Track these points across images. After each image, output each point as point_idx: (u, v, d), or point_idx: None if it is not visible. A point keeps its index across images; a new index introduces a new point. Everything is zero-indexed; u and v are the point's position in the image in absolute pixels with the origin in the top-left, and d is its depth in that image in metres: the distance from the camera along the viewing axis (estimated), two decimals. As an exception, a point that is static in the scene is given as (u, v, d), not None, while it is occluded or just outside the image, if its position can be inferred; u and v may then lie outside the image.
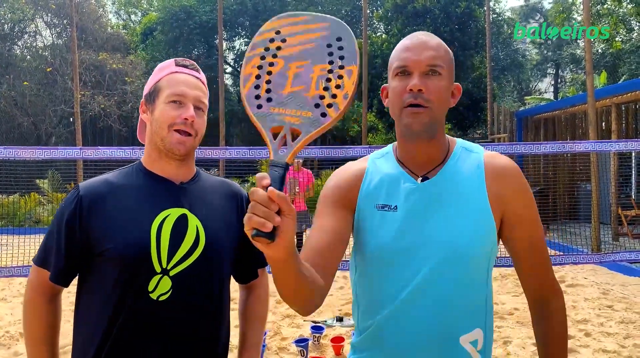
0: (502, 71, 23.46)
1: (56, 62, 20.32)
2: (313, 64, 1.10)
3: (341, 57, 1.10)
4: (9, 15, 21.24)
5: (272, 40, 1.12)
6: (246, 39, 26.02)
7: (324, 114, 1.06)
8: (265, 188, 0.91)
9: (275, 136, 1.04)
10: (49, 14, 21.89)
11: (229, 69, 26.94)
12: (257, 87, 1.09)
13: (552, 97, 26.37)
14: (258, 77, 1.10)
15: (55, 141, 20.70)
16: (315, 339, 4.76)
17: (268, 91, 1.08)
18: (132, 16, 31.34)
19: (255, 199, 0.90)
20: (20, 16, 21.36)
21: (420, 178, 1.35)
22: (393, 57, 1.35)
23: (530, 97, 22.77)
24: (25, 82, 19.76)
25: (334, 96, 1.07)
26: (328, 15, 1.16)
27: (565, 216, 12.45)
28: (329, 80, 1.08)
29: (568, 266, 7.79)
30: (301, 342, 4.50)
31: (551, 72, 32.95)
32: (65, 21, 21.12)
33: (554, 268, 7.22)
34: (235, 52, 27.45)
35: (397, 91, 1.31)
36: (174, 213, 1.49)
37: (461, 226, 1.29)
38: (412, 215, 1.32)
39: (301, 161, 8.35)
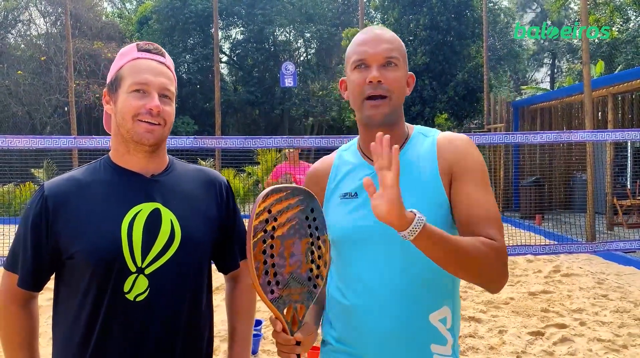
0: (498, 61, 23.40)
1: (50, 51, 20.18)
2: (300, 239, 1.31)
3: (317, 228, 1.32)
4: (2, 3, 21.05)
5: (267, 221, 1.28)
6: (242, 28, 25.86)
7: (315, 285, 1.32)
8: (282, 330, 1.28)
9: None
10: (43, 2, 21.70)
11: (225, 59, 26.79)
12: (266, 273, 1.27)
13: (548, 87, 26.38)
14: (265, 263, 1.27)
15: (50, 130, 20.58)
16: (312, 328, 4.78)
17: (275, 274, 1.28)
18: (127, 4, 31.11)
19: (279, 342, 1.28)
20: (14, 4, 21.17)
21: None
22: (350, 51, 1.42)
23: (526, 87, 22.74)
24: (19, 72, 19.63)
25: (318, 267, 1.32)
26: (300, 187, 1.34)
27: (561, 206, 12.50)
28: (312, 252, 1.32)
29: (563, 255, 7.82)
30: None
31: (548, 62, 32.92)
32: (59, 9, 20.94)
33: (549, 257, 7.22)
34: (231, 41, 27.29)
35: (356, 83, 1.38)
36: (145, 209, 1.40)
37: (417, 207, 1.32)
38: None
39: (297, 151, 7.13)
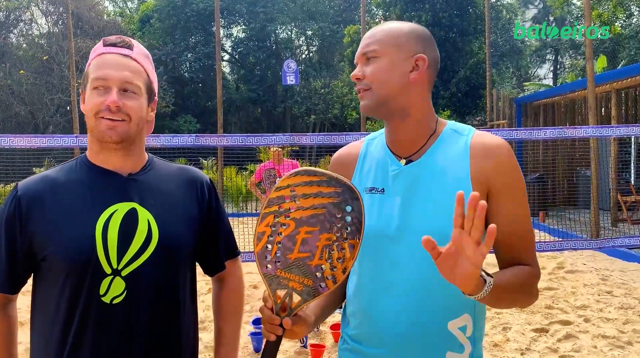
0: (501, 57, 23.36)
1: (52, 51, 20.21)
2: (320, 232, 1.20)
3: (347, 229, 1.20)
4: (4, 3, 21.08)
5: (285, 199, 1.20)
6: (243, 27, 25.86)
7: (322, 285, 1.21)
8: (270, 308, 1.21)
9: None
10: (45, 2, 21.73)
11: (227, 57, 26.80)
12: (268, 247, 1.21)
13: (551, 84, 26.31)
14: (270, 236, 1.21)
15: (52, 129, 20.62)
16: (315, 326, 4.77)
17: (277, 252, 1.21)
18: (129, 3, 31.13)
19: (264, 319, 1.22)
20: (16, 4, 21.20)
21: (405, 161, 1.37)
22: None
23: (529, 83, 22.70)
24: (22, 71, 19.67)
25: (333, 268, 1.20)
26: (343, 179, 1.21)
27: (564, 202, 12.46)
28: (332, 250, 1.20)
29: (567, 252, 7.80)
30: (301, 329, 4.50)
31: (550, 58, 32.85)
32: (61, 9, 20.97)
33: (553, 253, 7.18)
34: (232, 39, 27.29)
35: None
36: (121, 208, 1.36)
37: (441, 209, 1.29)
38: (396, 198, 1.34)
39: (280, 149, 7.05)
